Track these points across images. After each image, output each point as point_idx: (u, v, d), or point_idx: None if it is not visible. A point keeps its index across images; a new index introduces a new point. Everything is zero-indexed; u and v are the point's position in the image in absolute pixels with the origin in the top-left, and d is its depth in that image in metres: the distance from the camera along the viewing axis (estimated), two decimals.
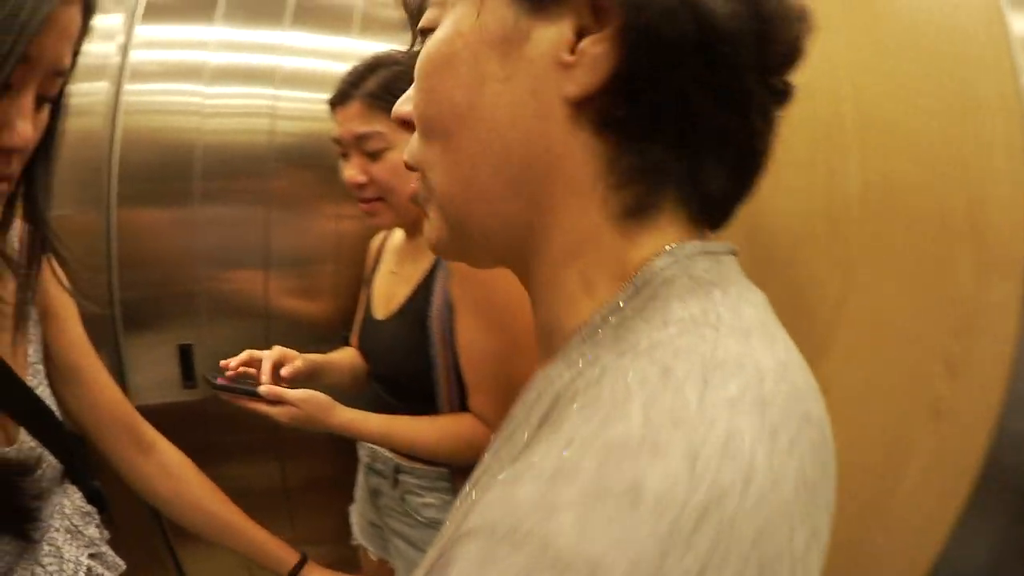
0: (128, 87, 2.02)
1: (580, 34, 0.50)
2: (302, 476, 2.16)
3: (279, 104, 2.07)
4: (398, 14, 2.18)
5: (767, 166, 0.56)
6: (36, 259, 0.98)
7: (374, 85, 1.49)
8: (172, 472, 1.26)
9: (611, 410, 0.39)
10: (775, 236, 0.86)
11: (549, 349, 0.57)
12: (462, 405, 1.46)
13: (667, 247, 0.52)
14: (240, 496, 2.16)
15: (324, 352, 1.75)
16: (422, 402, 1.49)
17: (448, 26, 0.55)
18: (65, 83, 0.91)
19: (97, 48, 2.02)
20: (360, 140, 1.49)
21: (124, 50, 2.04)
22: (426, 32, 0.58)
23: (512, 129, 0.52)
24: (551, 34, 0.50)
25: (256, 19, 2.13)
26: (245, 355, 1.53)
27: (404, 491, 1.54)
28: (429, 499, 1.52)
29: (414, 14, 0.61)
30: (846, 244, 0.83)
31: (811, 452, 0.41)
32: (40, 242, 0.97)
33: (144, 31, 2.07)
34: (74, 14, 0.86)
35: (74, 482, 1.11)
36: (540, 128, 0.51)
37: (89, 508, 1.13)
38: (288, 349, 1.59)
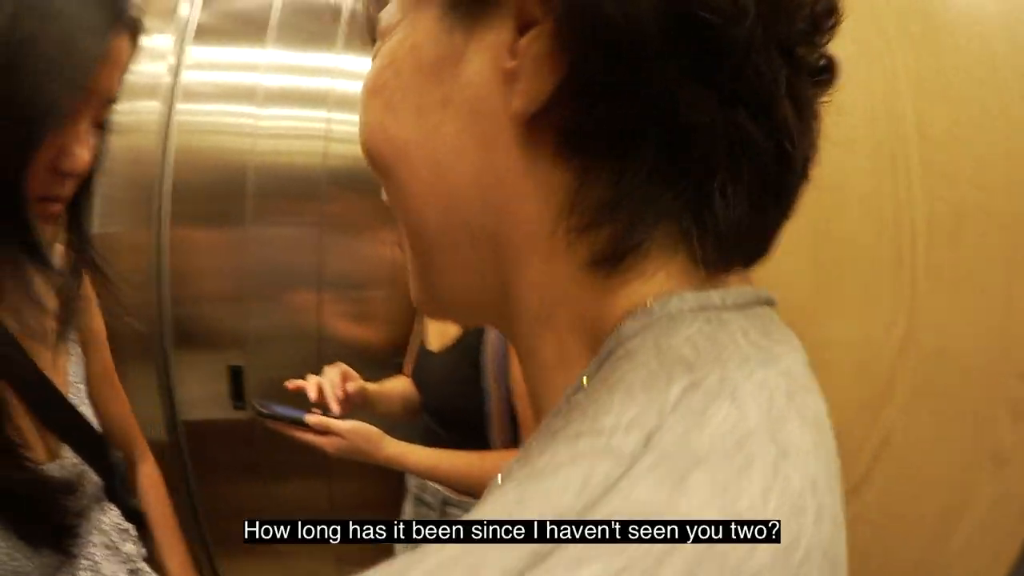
0: (180, 107, 2.06)
1: (522, 31, 0.38)
2: (349, 497, 2.17)
3: (332, 127, 2.09)
4: None
5: (805, 175, 0.41)
6: (78, 276, 1.00)
7: None
8: (141, 487, 1.28)
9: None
10: (842, 271, 0.84)
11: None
12: (513, 441, 1.45)
13: (646, 303, 0.38)
14: (287, 515, 2.18)
15: (376, 379, 1.76)
16: (472, 436, 1.49)
17: (382, 54, 0.46)
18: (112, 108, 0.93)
19: (148, 68, 2.07)
20: None
21: (176, 71, 2.05)
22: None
23: (457, 164, 0.42)
24: (488, 41, 0.40)
25: (308, 42, 2.15)
26: (309, 383, 1.54)
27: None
28: None
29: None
30: (912, 280, 0.80)
31: None
32: (82, 259, 0.99)
33: (196, 52, 2.10)
34: (125, 44, 0.89)
35: (113, 499, 1.12)
36: (487, 160, 0.41)
37: (127, 525, 1.14)
38: (349, 368, 1.60)
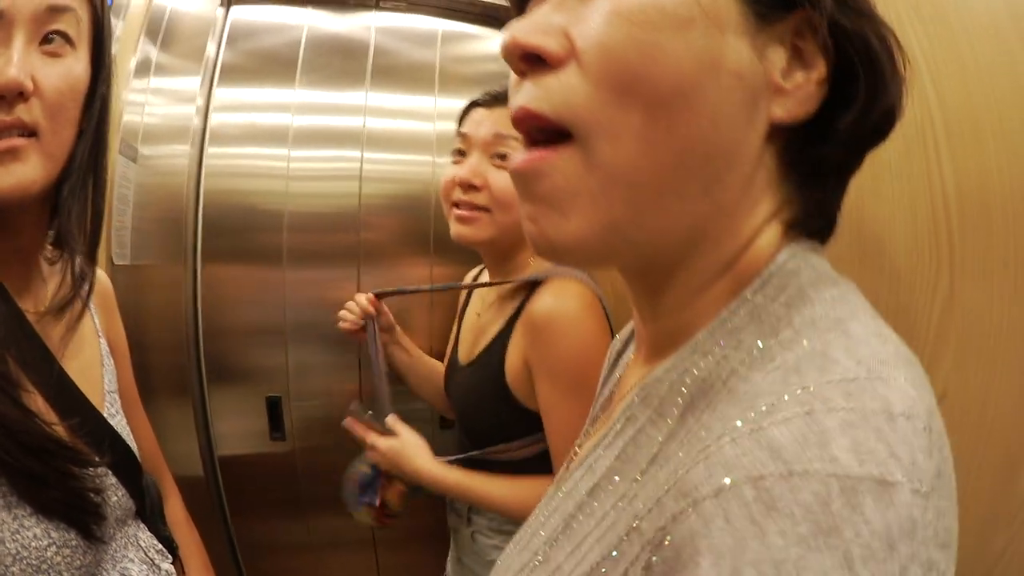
0: (210, 150, 2.12)
1: (790, 65, 0.51)
2: (393, 531, 2.16)
3: (365, 166, 2.15)
4: (473, 69, 2.25)
5: None
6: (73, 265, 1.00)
7: None
8: (169, 523, 1.24)
9: (817, 361, 0.43)
10: (882, 246, 0.90)
11: (661, 350, 0.58)
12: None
13: (791, 247, 0.54)
14: (331, 547, 2.17)
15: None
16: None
17: None
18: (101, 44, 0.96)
19: (176, 110, 2.13)
20: (499, 140, 1.48)
21: (204, 113, 2.11)
22: None
23: (730, 128, 0.50)
24: (769, 51, 0.51)
25: (336, 80, 2.22)
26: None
27: (475, 530, 1.57)
28: (496, 541, 1.53)
29: None
30: (950, 242, 0.85)
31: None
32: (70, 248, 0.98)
33: (223, 93, 2.17)
34: None
35: (144, 522, 1.11)
36: (746, 136, 0.51)
37: (161, 547, 1.12)
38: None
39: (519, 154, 0.54)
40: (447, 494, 1.55)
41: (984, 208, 0.82)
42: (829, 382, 0.41)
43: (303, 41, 2.21)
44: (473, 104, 1.57)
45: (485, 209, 1.47)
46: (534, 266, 1.51)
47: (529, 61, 0.52)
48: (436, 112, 2.19)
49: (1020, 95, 0.81)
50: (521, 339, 1.41)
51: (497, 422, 1.48)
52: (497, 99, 1.52)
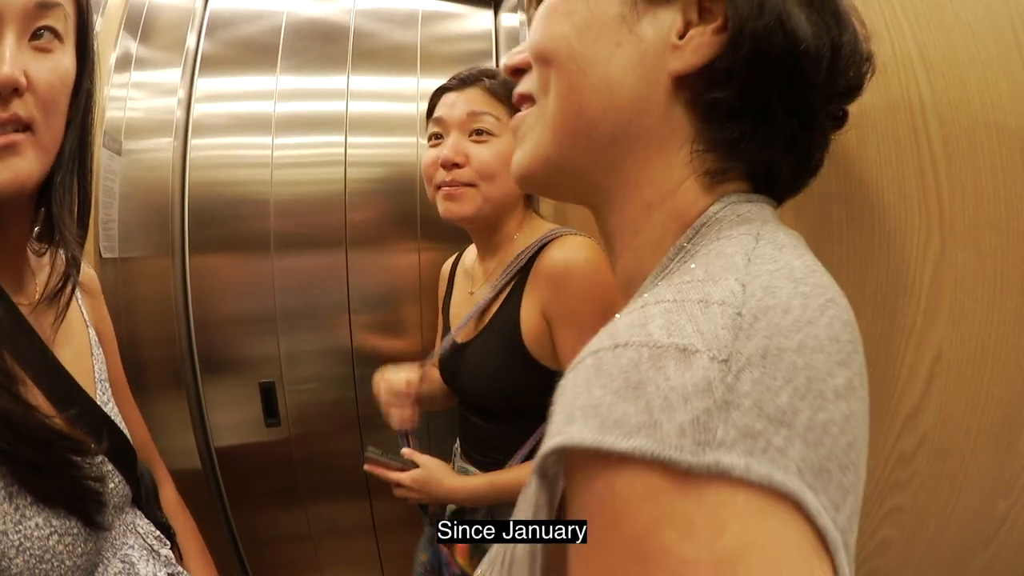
0: (194, 142, 2.11)
1: (687, 25, 0.62)
2: (390, 515, 2.15)
3: (349, 150, 2.15)
4: (454, 48, 2.23)
5: (818, 171, 0.69)
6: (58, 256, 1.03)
7: (496, 80, 1.56)
8: (165, 512, 1.27)
9: (676, 276, 0.54)
10: (871, 208, 0.88)
11: (629, 294, 0.67)
12: None
13: (724, 197, 0.64)
14: (331, 534, 2.17)
15: None
16: (512, 420, 1.53)
17: None
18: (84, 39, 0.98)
19: (159, 103, 2.12)
20: (474, 118, 1.53)
21: (186, 105, 2.09)
22: None
23: (621, 86, 0.64)
24: (661, 20, 0.63)
25: (317, 66, 2.21)
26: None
27: (492, 507, 1.57)
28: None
29: None
30: (939, 199, 0.84)
31: (840, 324, 0.49)
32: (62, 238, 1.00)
33: (205, 84, 2.16)
34: None
35: (141, 509, 1.11)
36: (645, 92, 0.63)
37: (159, 533, 1.13)
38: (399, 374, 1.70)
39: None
40: (483, 502, 1.55)
41: (972, 166, 0.81)
42: (672, 285, 0.52)
43: (283, 27, 2.19)
44: (442, 90, 1.60)
45: (471, 184, 1.51)
46: (520, 239, 1.54)
47: (517, 72, 0.76)
48: (419, 93, 2.17)
49: (1003, 49, 0.81)
50: (537, 295, 1.44)
51: (517, 385, 1.49)
52: (465, 81, 1.56)
